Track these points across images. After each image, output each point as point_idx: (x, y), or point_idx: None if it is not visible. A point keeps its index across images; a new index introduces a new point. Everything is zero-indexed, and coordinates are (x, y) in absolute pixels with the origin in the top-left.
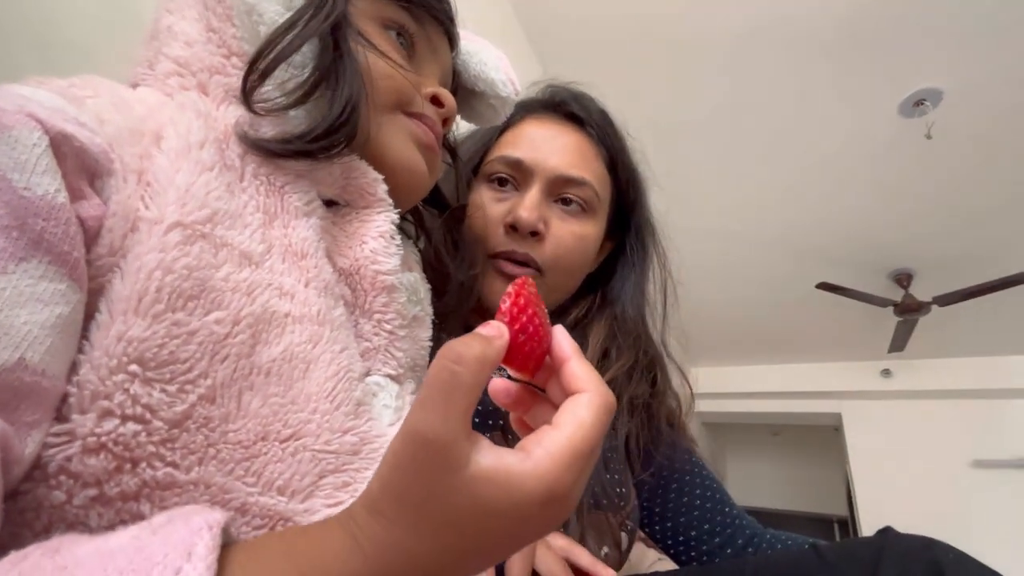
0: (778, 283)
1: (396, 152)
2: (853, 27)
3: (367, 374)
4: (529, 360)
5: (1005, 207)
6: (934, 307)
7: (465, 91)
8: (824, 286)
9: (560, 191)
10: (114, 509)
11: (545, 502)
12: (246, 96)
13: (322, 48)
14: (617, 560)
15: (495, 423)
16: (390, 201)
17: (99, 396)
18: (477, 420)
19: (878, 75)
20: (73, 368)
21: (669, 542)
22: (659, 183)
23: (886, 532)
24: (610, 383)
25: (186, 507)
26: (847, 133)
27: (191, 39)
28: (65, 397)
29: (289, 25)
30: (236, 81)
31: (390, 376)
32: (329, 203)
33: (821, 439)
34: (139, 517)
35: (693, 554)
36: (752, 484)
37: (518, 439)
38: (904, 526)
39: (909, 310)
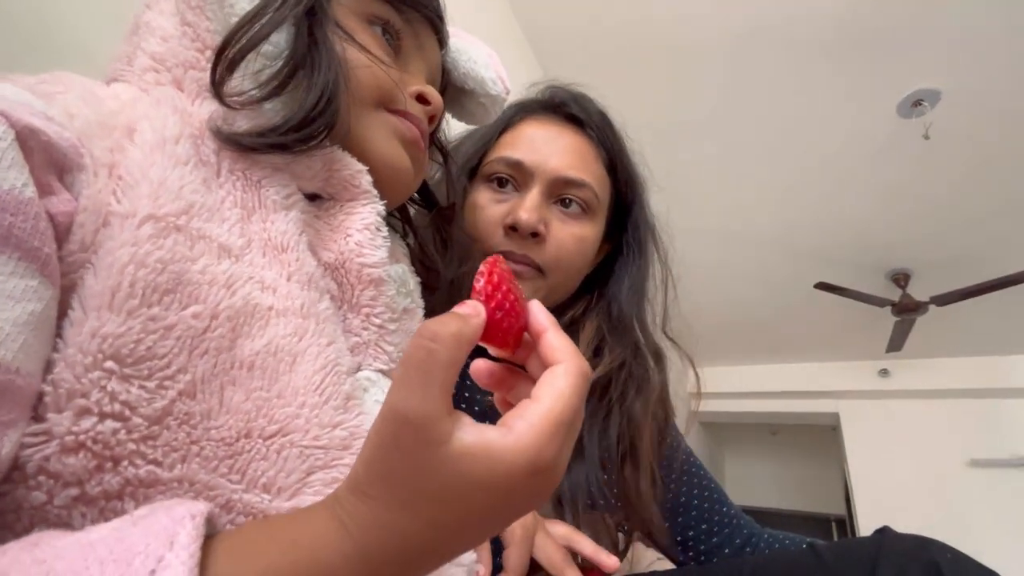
0: (776, 283)
1: (379, 147)
2: (851, 28)
3: (358, 369)
4: (508, 336)
5: (1003, 207)
6: (932, 307)
7: (455, 89)
8: (822, 286)
9: (560, 192)
10: (97, 508)
11: (530, 474)
12: (217, 88)
13: (297, 37)
14: None
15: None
16: (375, 192)
17: (75, 394)
18: (464, 406)
19: (876, 75)
20: (47, 367)
21: (667, 542)
22: (659, 183)
23: (884, 532)
24: (601, 380)
25: (169, 500)
26: (846, 133)
27: (167, 34)
28: (40, 396)
29: (257, 12)
30: (209, 75)
31: (381, 371)
32: (313, 197)
33: (819, 438)
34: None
35: (691, 554)
36: (750, 483)
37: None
38: (901, 525)
39: (907, 310)
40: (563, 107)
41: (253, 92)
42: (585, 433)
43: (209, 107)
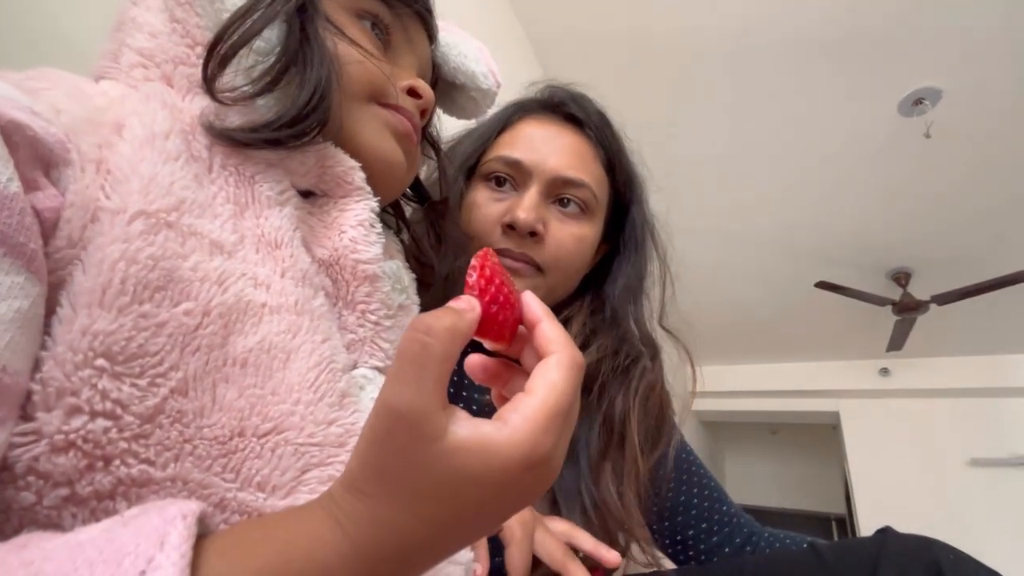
0: (777, 282)
1: (371, 142)
2: (852, 26)
3: (354, 367)
4: (504, 329)
5: (1004, 206)
6: (932, 306)
7: (445, 84)
8: (823, 285)
9: (558, 192)
10: (88, 509)
11: (526, 467)
12: (208, 84)
13: (288, 33)
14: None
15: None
16: (368, 189)
17: (65, 392)
18: (462, 405)
19: (877, 74)
20: (36, 365)
21: (667, 541)
22: (658, 183)
23: (885, 532)
24: (589, 373)
25: (162, 500)
26: (846, 132)
27: (155, 30)
28: (29, 395)
29: (248, 8)
30: (201, 71)
31: (377, 368)
32: (307, 194)
33: (819, 438)
34: None
35: (691, 553)
36: (750, 482)
37: None
38: (902, 524)
39: (907, 309)
40: (562, 107)
41: (246, 88)
42: (576, 429)
43: (200, 103)
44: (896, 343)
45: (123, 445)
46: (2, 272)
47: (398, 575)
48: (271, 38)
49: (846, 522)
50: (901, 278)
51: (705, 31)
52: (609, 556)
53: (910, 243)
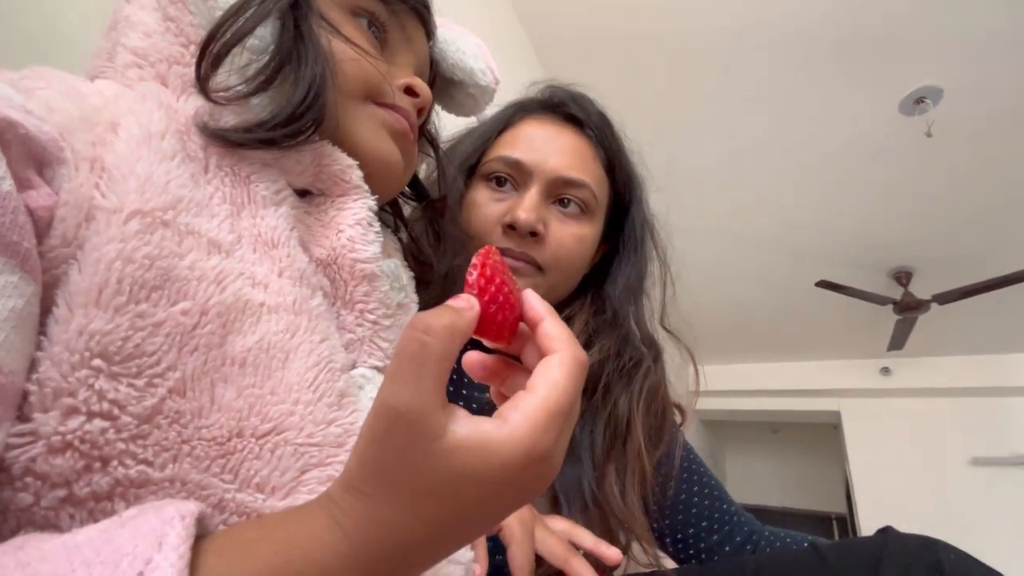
0: (778, 282)
1: (368, 141)
2: (853, 25)
3: (352, 366)
4: (503, 329)
5: (1005, 206)
6: (933, 305)
7: (444, 80)
8: (824, 284)
9: (559, 192)
10: (86, 510)
11: (525, 466)
12: (202, 83)
13: (282, 31)
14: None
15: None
16: (366, 187)
17: (62, 393)
18: (462, 403)
19: (878, 73)
20: (32, 365)
21: (667, 540)
22: (658, 183)
23: (886, 531)
24: (592, 373)
25: (160, 500)
26: (847, 131)
27: (149, 29)
28: (25, 395)
29: (241, 5)
30: (194, 71)
31: (376, 368)
32: (304, 193)
33: (820, 437)
34: None
35: (691, 552)
36: (751, 482)
37: None
38: (902, 523)
39: (908, 308)
40: (562, 107)
41: (239, 87)
42: (577, 429)
43: (195, 103)
44: (897, 342)
45: (121, 446)
46: None
47: (397, 575)
48: (264, 36)
49: (847, 521)
50: (902, 277)
51: (705, 31)
52: (610, 553)
53: (911, 242)
